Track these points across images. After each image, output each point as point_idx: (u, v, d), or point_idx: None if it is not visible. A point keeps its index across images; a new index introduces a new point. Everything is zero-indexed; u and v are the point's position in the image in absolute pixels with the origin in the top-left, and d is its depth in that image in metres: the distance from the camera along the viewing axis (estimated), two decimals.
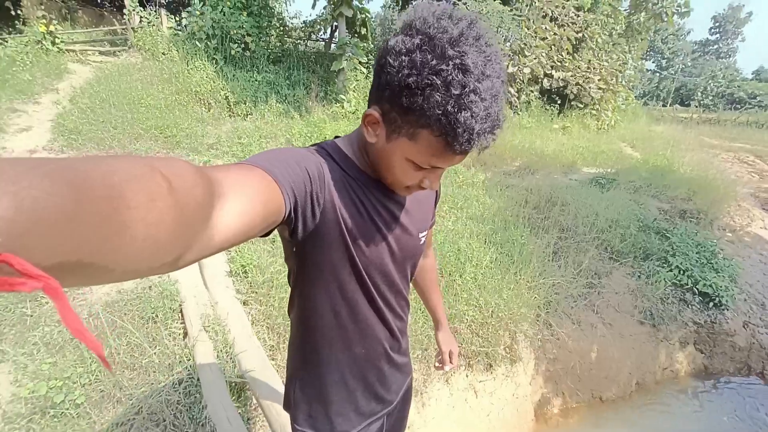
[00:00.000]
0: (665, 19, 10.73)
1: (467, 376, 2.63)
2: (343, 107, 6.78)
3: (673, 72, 29.28)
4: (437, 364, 1.09)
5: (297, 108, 6.63)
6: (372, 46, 7.77)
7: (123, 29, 7.45)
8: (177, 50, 6.69)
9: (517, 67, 8.23)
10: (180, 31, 7.29)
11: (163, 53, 6.75)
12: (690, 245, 3.98)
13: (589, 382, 3.17)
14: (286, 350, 2.21)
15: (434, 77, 0.50)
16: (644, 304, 3.50)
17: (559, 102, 10.42)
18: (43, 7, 8.34)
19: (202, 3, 6.74)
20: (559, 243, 3.79)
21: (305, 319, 0.75)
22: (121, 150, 4.49)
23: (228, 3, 6.74)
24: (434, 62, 0.50)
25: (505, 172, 6.32)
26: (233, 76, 6.67)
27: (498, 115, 0.54)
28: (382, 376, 0.83)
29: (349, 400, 0.81)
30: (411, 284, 0.95)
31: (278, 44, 7.74)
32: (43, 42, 6.42)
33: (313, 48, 8.80)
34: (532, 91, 9.72)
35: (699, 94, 27.22)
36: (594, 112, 10.41)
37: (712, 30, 38.33)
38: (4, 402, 1.39)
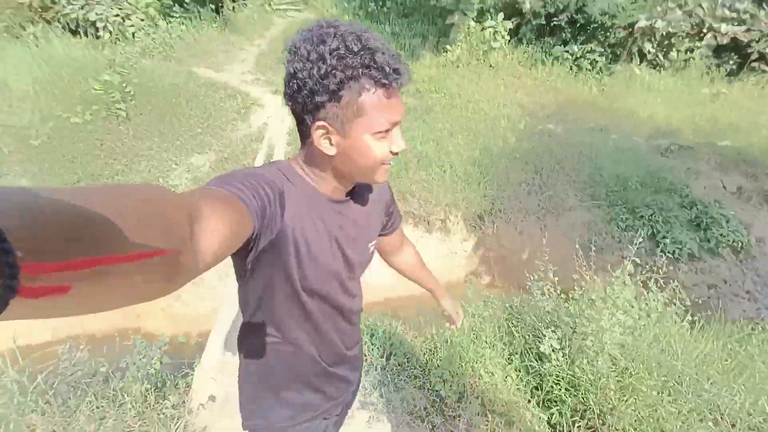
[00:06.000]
0: None
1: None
2: (446, 57, 8.04)
3: None
4: (448, 325, 1.22)
5: (410, 56, 8.22)
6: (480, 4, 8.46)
7: None
8: (322, 5, 9.05)
9: (652, 20, 7.48)
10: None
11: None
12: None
13: (518, 274, 4.29)
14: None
15: (334, 52, 0.60)
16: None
17: (732, 62, 8.64)
18: None
19: None
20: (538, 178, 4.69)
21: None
22: None
23: None
24: (321, 47, 0.60)
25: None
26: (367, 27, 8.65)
27: (396, 53, 0.65)
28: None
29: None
30: (404, 273, 1.12)
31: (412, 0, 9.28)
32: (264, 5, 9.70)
33: (437, 2, 9.92)
34: (692, 49, 8.40)
35: None
36: None
37: None
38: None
